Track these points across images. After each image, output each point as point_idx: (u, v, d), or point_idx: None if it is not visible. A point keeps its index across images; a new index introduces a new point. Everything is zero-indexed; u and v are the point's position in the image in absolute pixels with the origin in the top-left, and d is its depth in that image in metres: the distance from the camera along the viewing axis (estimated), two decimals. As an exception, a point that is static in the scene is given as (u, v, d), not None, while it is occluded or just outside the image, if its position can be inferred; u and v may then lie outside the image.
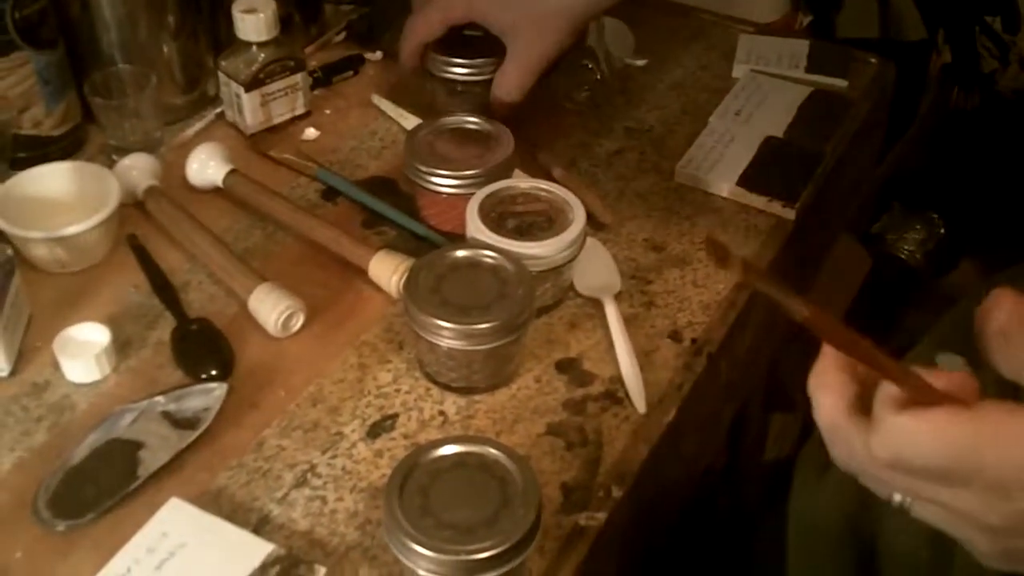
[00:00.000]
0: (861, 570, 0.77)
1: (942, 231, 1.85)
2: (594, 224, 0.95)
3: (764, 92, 1.12)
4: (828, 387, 0.57)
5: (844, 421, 0.56)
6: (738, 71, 1.16)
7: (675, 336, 0.87)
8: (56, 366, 0.83)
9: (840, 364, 0.57)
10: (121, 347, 0.84)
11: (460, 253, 0.83)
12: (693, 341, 0.87)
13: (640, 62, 1.16)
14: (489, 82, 1.02)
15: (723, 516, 1.13)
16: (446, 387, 0.82)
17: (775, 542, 0.85)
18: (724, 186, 1.00)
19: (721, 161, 1.02)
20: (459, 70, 1.03)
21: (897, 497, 0.58)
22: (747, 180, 0.99)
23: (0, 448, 0.77)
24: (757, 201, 0.99)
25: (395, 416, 0.81)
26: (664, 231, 0.97)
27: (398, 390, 0.83)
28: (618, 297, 0.89)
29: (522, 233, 0.85)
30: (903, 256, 1.89)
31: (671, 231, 0.97)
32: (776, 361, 1.21)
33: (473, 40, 1.02)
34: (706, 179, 1.00)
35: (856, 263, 1.71)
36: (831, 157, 1.04)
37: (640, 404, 0.81)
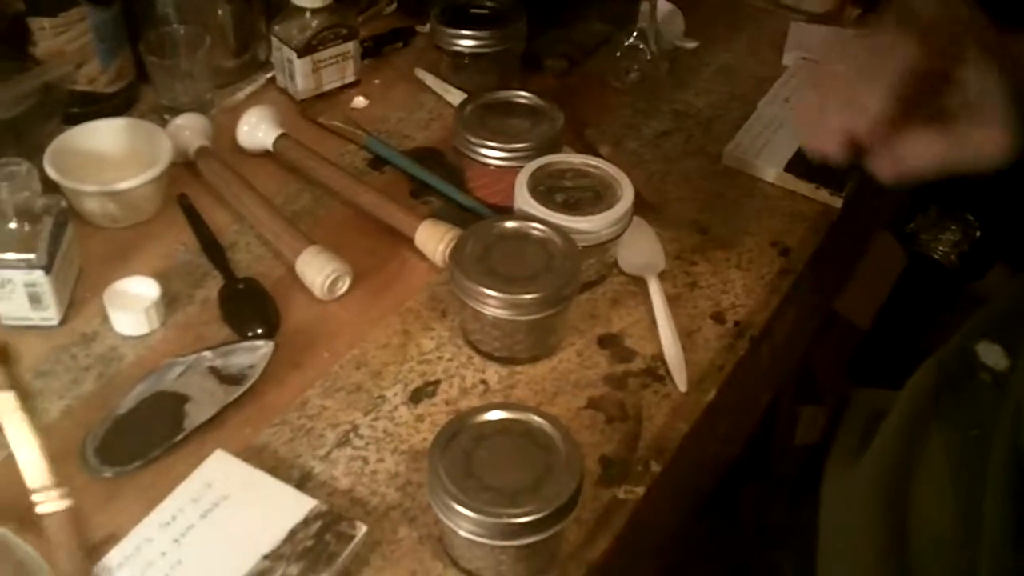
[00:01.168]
0: (892, 552, 0.77)
1: (977, 234, 1.84)
2: (639, 204, 0.95)
3: (813, 80, 1.11)
4: None
5: None
6: (788, 59, 1.16)
7: (718, 317, 0.87)
8: (104, 318, 0.84)
9: None
10: (169, 303, 0.85)
11: (508, 224, 0.84)
12: (736, 323, 0.87)
13: (690, 44, 1.16)
14: (494, 55, 1.05)
15: (754, 500, 1.13)
16: (488, 356, 0.83)
17: (806, 527, 0.85)
18: (771, 171, 1.00)
19: (769, 146, 1.02)
20: (465, 42, 1.06)
21: None
22: (795, 166, 0.99)
23: (49, 395, 0.78)
24: (804, 188, 0.99)
25: (437, 382, 0.81)
26: (709, 213, 0.97)
27: (440, 357, 0.83)
28: (662, 276, 0.89)
29: (570, 207, 0.85)
30: (937, 257, 1.88)
31: (716, 214, 0.97)
32: (809, 353, 1.21)
33: (478, 13, 1.06)
34: (754, 163, 1.00)
35: (893, 260, 1.70)
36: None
37: (681, 382, 0.81)
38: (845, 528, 0.79)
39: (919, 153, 0.67)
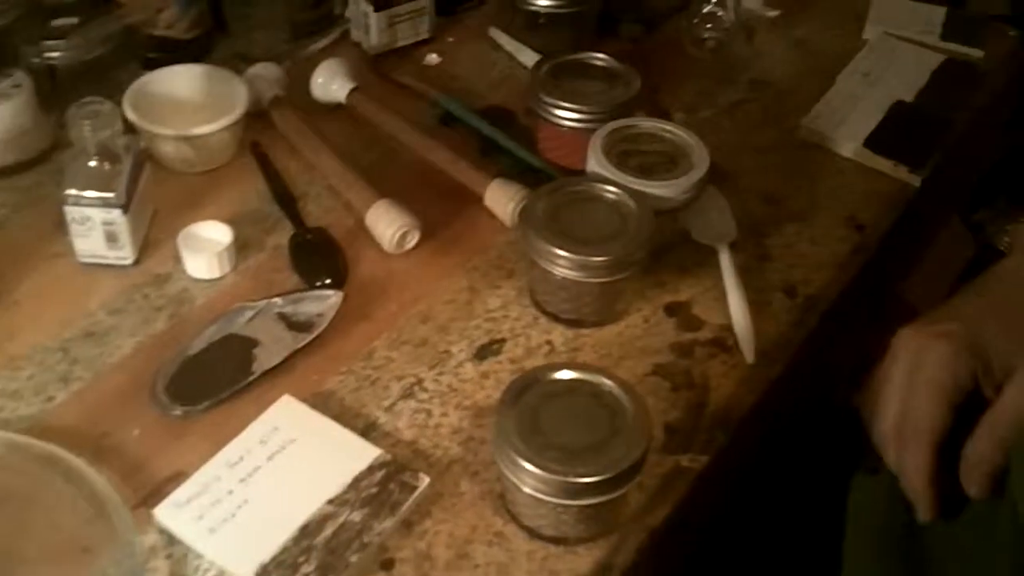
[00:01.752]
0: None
1: (1047, 226, 1.80)
2: (711, 172, 0.94)
3: (895, 55, 1.10)
4: None
5: None
6: (869, 32, 1.14)
7: (789, 291, 0.86)
8: (177, 260, 0.85)
9: None
10: (240, 248, 0.86)
11: (581, 186, 0.83)
12: (807, 298, 0.86)
13: (771, 13, 1.15)
14: (570, 16, 1.04)
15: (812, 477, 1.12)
16: (555, 317, 0.83)
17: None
18: (849, 146, 0.98)
19: (847, 121, 1.00)
20: (542, 2, 1.05)
21: None
22: (874, 142, 0.98)
23: (122, 332, 0.80)
24: (882, 164, 0.97)
25: (502, 341, 0.81)
26: (783, 186, 0.96)
27: (506, 316, 0.83)
28: (733, 247, 0.88)
29: (644, 172, 0.85)
30: (1002, 248, 1.85)
31: (790, 186, 0.96)
32: (869, 336, 1.20)
33: None
34: (831, 137, 0.99)
35: (961, 248, 1.67)
36: (960, 128, 1.02)
37: (749, 354, 0.81)
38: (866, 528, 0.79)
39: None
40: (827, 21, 1.17)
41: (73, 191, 0.80)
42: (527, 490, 0.65)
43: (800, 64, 1.10)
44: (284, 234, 0.88)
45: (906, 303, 1.24)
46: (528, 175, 0.94)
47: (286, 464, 0.70)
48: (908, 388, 0.70)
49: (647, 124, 0.88)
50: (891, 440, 0.70)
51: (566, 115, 0.91)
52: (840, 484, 0.81)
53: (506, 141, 0.98)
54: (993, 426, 0.65)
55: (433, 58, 1.09)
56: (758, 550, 1.03)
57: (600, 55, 0.96)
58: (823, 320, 0.85)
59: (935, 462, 0.68)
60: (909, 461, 0.69)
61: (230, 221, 0.87)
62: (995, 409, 0.66)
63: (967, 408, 0.68)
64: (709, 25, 1.09)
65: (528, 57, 1.07)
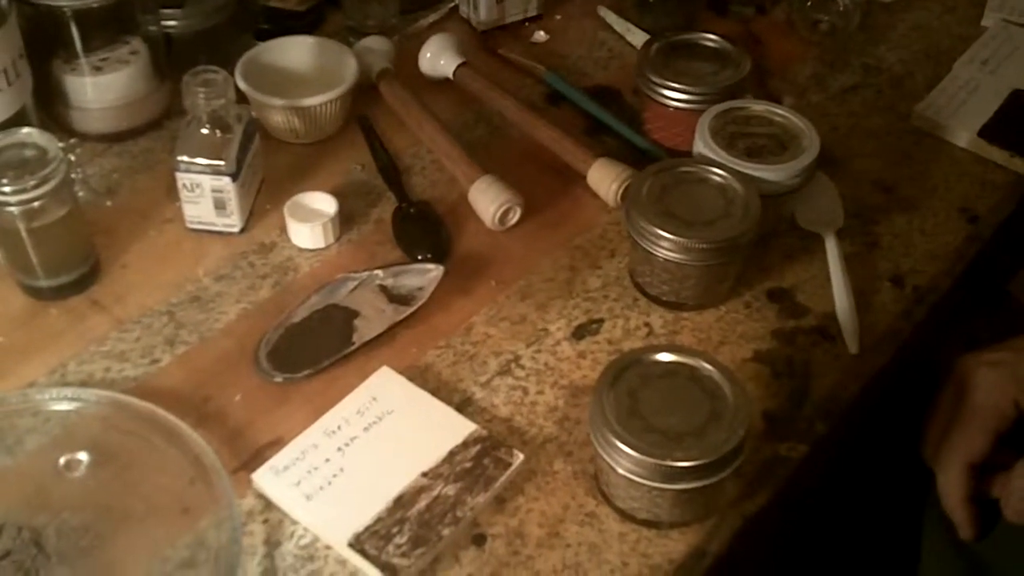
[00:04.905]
0: None
1: None
2: (821, 158, 0.92)
3: (1015, 43, 1.06)
4: None
5: None
6: (989, 19, 1.10)
7: (897, 281, 0.84)
8: (283, 229, 0.86)
9: None
10: (344, 219, 0.87)
11: (687, 168, 0.82)
12: (915, 288, 0.84)
13: (887, -1, 1.12)
14: None
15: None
16: (655, 300, 0.82)
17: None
18: (964, 135, 0.95)
19: (963, 109, 0.97)
20: None
21: None
22: (989, 132, 0.94)
23: (228, 298, 0.81)
24: (998, 155, 0.94)
25: (601, 321, 0.81)
26: (895, 173, 0.93)
27: (606, 296, 0.83)
28: (840, 234, 0.86)
29: (752, 155, 0.83)
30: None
31: (902, 174, 0.93)
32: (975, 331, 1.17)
33: None
34: (946, 125, 0.96)
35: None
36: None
37: (853, 344, 0.79)
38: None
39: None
40: (945, 6, 1.13)
41: (185, 157, 0.82)
42: (622, 472, 0.65)
43: (916, 50, 1.07)
44: (388, 207, 0.89)
45: (1014, 299, 1.20)
46: (634, 155, 0.93)
47: (382, 435, 0.71)
48: (953, 412, 0.72)
49: (757, 106, 0.86)
50: (932, 462, 0.74)
51: (673, 95, 0.90)
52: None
53: (612, 120, 0.97)
54: None
55: (541, 35, 1.09)
56: (847, 537, 1.02)
57: (710, 35, 0.94)
58: (931, 312, 0.83)
59: (970, 483, 0.71)
60: (944, 481, 0.72)
61: (336, 192, 0.87)
62: None
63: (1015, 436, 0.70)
64: (822, 8, 1.06)
65: (637, 37, 1.06)
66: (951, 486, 0.72)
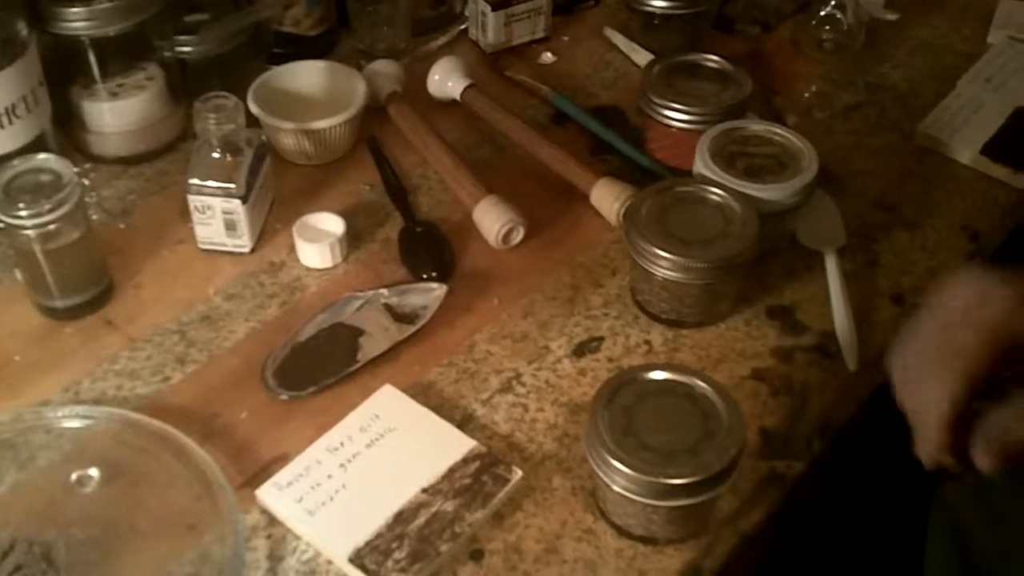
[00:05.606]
0: None
1: None
2: (823, 176, 0.93)
3: (1021, 61, 1.06)
4: None
5: None
6: (994, 36, 1.11)
7: (897, 299, 0.85)
8: (292, 249, 0.88)
9: None
10: (352, 239, 0.89)
11: (686, 187, 0.83)
12: (916, 306, 0.84)
13: (891, 16, 1.12)
14: (686, 17, 1.05)
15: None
16: (655, 317, 0.83)
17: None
18: (966, 152, 0.96)
19: (966, 127, 0.98)
20: (658, 3, 1.06)
21: None
22: (992, 149, 0.95)
23: (237, 317, 0.83)
24: (1001, 172, 0.94)
25: (601, 339, 0.82)
26: (897, 191, 0.94)
27: (607, 314, 0.84)
28: (841, 252, 0.87)
29: (751, 174, 0.84)
30: None
31: (904, 192, 0.94)
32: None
33: None
34: (948, 143, 0.97)
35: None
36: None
37: (851, 362, 0.80)
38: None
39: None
40: (949, 25, 1.14)
41: (196, 180, 0.84)
42: (617, 489, 0.66)
43: (920, 68, 1.08)
44: (395, 226, 0.91)
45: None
46: (638, 174, 0.94)
47: (384, 451, 0.72)
48: (960, 322, 0.61)
49: (756, 127, 0.88)
50: (914, 370, 0.63)
51: (675, 115, 0.91)
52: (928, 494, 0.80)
53: (616, 140, 0.98)
54: None
55: (548, 56, 1.11)
56: (844, 555, 1.02)
57: (712, 56, 0.95)
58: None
59: (970, 399, 0.60)
60: (935, 389, 0.60)
61: (345, 212, 0.89)
62: None
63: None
64: (827, 27, 1.07)
65: (642, 57, 1.08)
66: (943, 395, 0.60)
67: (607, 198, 0.90)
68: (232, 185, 0.84)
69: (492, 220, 0.88)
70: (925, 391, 0.62)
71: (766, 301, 0.85)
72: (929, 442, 0.62)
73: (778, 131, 0.87)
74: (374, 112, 1.00)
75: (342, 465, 0.71)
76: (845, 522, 0.97)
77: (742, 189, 0.82)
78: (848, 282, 0.85)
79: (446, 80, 1.02)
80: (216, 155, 0.85)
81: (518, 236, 0.89)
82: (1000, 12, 1.12)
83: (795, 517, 0.76)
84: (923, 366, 0.62)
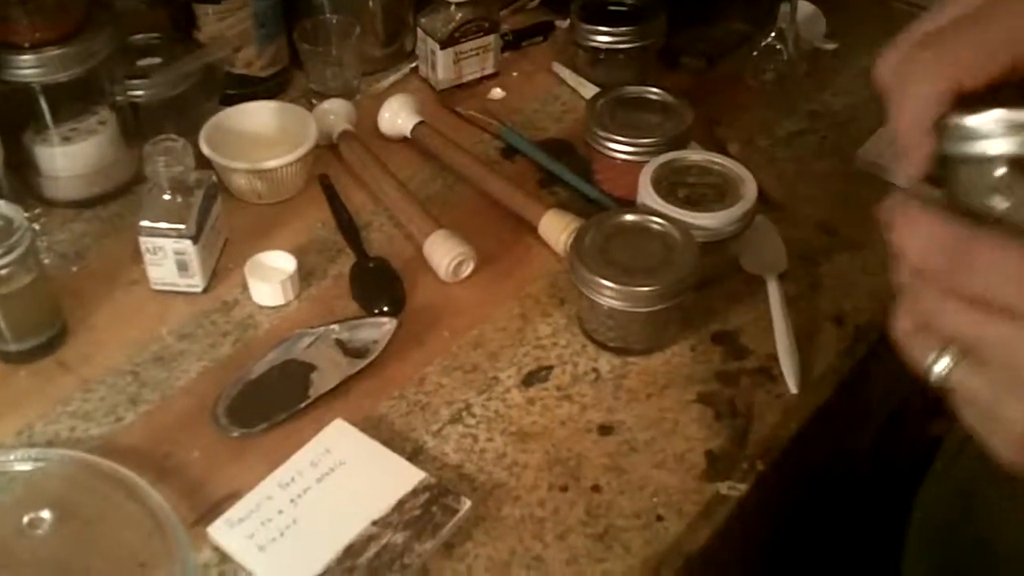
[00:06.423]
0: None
1: None
2: (767, 203, 0.95)
3: (958, 86, 1.09)
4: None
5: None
6: (933, 63, 1.13)
7: (838, 320, 0.87)
8: (244, 287, 0.89)
9: None
10: (304, 276, 0.90)
11: (629, 217, 0.85)
12: (856, 327, 0.86)
13: (830, 46, 1.15)
14: (631, 51, 1.09)
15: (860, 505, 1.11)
16: (603, 346, 0.85)
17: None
18: (904, 176, 0.98)
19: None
20: (603, 38, 1.09)
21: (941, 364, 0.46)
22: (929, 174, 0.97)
23: (190, 356, 0.84)
24: (937, 195, 0.96)
25: (550, 368, 0.84)
26: (839, 215, 0.96)
27: (556, 343, 0.85)
28: (784, 277, 0.89)
29: (692, 203, 0.86)
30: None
31: (846, 216, 0.96)
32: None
33: (616, 11, 1.10)
34: (887, 168, 0.99)
35: None
36: None
37: (793, 383, 0.81)
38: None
39: None
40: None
41: (147, 222, 0.85)
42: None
43: (862, 94, 1.11)
44: (346, 263, 0.92)
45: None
46: (586, 206, 0.96)
47: (334, 486, 0.73)
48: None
49: (696, 156, 0.90)
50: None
51: (618, 147, 0.93)
52: (890, 515, 0.81)
53: (564, 172, 1.00)
54: None
55: (498, 92, 1.13)
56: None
57: (655, 88, 0.97)
58: (872, 351, 0.86)
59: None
60: (925, 82, 0.46)
61: (297, 250, 0.91)
62: None
63: None
64: (769, 58, 1.10)
65: (590, 91, 1.10)
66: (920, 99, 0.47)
67: (554, 229, 0.92)
68: (182, 226, 0.85)
69: (442, 253, 0.89)
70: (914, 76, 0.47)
71: (711, 326, 0.87)
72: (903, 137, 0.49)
73: (717, 160, 0.89)
74: (326, 151, 1.02)
75: (293, 500, 0.72)
76: (816, 545, 0.98)
77: (683, 218, 0.84)
78: (791, 306, 0.87)
79: (396, 117, 1.04)
80: (167, 197, 0.86)
81: (468, 269, 0.90)
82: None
83: (749, 541, 0.77)
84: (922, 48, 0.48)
